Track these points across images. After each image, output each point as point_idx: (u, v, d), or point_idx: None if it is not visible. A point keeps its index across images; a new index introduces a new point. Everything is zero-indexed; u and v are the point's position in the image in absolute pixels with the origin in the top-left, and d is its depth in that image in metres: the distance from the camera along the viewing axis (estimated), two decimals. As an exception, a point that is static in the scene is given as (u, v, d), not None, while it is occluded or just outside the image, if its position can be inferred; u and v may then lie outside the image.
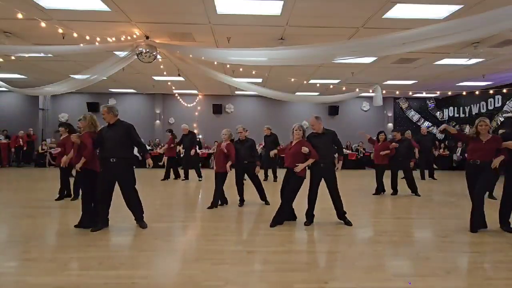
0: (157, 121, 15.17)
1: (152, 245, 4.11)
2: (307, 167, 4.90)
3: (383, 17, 5.62)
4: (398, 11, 5.40)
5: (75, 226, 4.62)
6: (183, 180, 9.74)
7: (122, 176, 4.62)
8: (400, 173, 7.86)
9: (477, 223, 4.71)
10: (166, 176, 9.82)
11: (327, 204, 5.15)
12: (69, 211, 5.68)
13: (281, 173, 11.53)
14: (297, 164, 4.79)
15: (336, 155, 5.32)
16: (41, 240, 4.20)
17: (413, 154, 7.98)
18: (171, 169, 9.99)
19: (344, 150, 13.76)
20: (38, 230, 4.59)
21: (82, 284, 3.02)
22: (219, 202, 6.20)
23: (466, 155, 5.22)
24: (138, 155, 11.27)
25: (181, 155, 10.68)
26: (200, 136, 14.32)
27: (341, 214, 5.10)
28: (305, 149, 4.76)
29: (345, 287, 3.03)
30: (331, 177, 5.02)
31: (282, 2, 5.13)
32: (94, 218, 4.60)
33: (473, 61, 8.25)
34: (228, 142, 6.01)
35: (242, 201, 6.38)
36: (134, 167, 4.80)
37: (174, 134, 10.03)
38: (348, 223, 5.03)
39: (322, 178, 5.03)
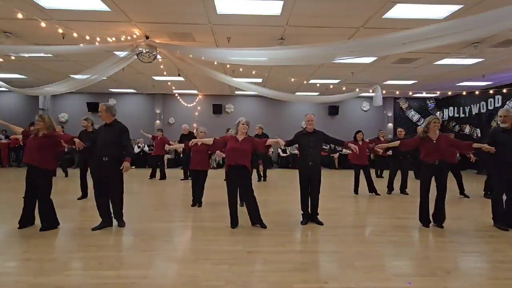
0: (157, 121, 15.16)
1: (152, 245, 4.11)
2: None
3: (383, 17, 5.61)
4: (398, 11, 5.40)
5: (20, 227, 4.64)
6: (182, 180, 9.74)
7: (112, 174, 4.68)
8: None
9: (426, 216, 5.06)
10: (153, 175, 10.09)
11: (325, 204, 5.15)
12: (69, 211, 5.68)
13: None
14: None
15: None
16: (41, 240, 4.20)
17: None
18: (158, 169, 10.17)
19: (344, 150, 13.80)
20: (38, 230, 4.59)
21: (82, 284, 3.02)
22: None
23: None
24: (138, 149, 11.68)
25: (181, 155, 10.75)
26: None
27: (314, 213, 5.12)
28: (275, 142, 4.81)
29: (345, 287, 3.03)
30: (317, 176, 5.08)
31: (282, 2, 5.13)
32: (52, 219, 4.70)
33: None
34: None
35: (243, 201, 6.36)
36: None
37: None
38: (319, 222, 5.04)
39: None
